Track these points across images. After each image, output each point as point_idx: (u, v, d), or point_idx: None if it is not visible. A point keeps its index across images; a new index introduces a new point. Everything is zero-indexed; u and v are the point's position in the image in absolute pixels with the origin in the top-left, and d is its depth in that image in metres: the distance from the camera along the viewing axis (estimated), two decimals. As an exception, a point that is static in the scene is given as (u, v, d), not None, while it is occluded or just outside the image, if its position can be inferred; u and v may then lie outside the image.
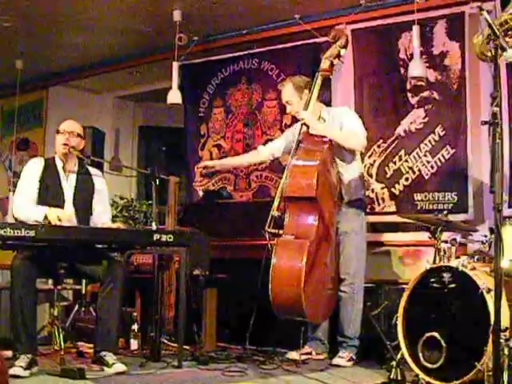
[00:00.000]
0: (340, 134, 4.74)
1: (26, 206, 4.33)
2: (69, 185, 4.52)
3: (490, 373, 3.02)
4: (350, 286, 4.74)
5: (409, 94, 5.55)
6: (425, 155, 5.41)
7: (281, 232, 4.54)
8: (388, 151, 5.59)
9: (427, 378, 3.71)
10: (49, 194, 4.42)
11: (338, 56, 4.89)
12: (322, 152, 4.60)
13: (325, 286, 4.62)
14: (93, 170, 4.71)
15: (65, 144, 4.47)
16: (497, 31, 3.01)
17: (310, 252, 4.35)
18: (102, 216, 4.63)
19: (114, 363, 4.14)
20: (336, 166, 4.77)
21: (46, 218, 4.15)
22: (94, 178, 4.65)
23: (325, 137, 4.70)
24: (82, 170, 4.62)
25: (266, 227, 4.61)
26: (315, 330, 4.89)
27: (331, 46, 4.90)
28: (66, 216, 4.24)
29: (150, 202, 6.11)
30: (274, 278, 4.34)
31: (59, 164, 4.53)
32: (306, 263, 4.31)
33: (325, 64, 4.87)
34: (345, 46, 4.89)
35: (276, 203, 4.66)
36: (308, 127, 4.74)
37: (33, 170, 4.49)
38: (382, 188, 5.60)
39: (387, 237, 5.57)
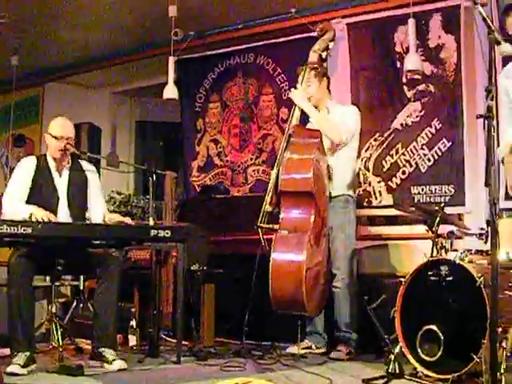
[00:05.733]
0: (322, 120, 4.79)
1: (11, 206, 4.24)
2: (62, 180, 4.49)
3: (488, 365, 3.02)
4: (342, 280, 4.76)
5: (405, 88, 5.54)
6: (421, 148, 5.41)
7: (275, 227, 4.53)
8: (385, 145, 5.58)
9: (425, 371, 3.71)
10: (42, 192, 4.39)
11: (327, 49, 4.96)
12: (314, 145, 4.60)
13: (320, 280, 4.62)
14: (85, 165, 4.68)
15: (62, 150, 4.44)
16: (491, 25, 3.00)
17: (308, 246, 4.35)
18: (97, 209, 4.61)
19: (114, 359, 4.14)
20: (326, 160, 4.77)
21: (30, 216, 4.03)
22: (86, 172, 4.63)
23: (315, 131, 4.72)
24: (74, 165, 4.60)
25: (259, 222, 4.60)
26: (314, 323, 4.90)
27: (318, 39, 5.02)
28: (50, 217, 4.10)
29: (147, 197, 6.10)
30: (274, 273, 4.32)
31: (51, 162, 4.50)
32: (306, 257, 4.31)
33: (313, 57, 4.96)
34: (332, 40, 5.02)
35: (269, 198, 4.66)
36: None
37: (25, 170, 4.44)
38: (379, 181, 5.60)
39: (385, 230, 5.57)
